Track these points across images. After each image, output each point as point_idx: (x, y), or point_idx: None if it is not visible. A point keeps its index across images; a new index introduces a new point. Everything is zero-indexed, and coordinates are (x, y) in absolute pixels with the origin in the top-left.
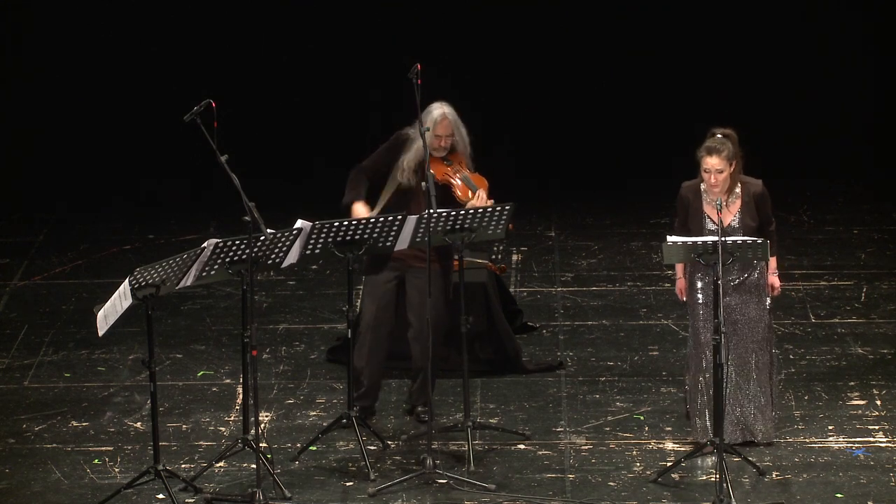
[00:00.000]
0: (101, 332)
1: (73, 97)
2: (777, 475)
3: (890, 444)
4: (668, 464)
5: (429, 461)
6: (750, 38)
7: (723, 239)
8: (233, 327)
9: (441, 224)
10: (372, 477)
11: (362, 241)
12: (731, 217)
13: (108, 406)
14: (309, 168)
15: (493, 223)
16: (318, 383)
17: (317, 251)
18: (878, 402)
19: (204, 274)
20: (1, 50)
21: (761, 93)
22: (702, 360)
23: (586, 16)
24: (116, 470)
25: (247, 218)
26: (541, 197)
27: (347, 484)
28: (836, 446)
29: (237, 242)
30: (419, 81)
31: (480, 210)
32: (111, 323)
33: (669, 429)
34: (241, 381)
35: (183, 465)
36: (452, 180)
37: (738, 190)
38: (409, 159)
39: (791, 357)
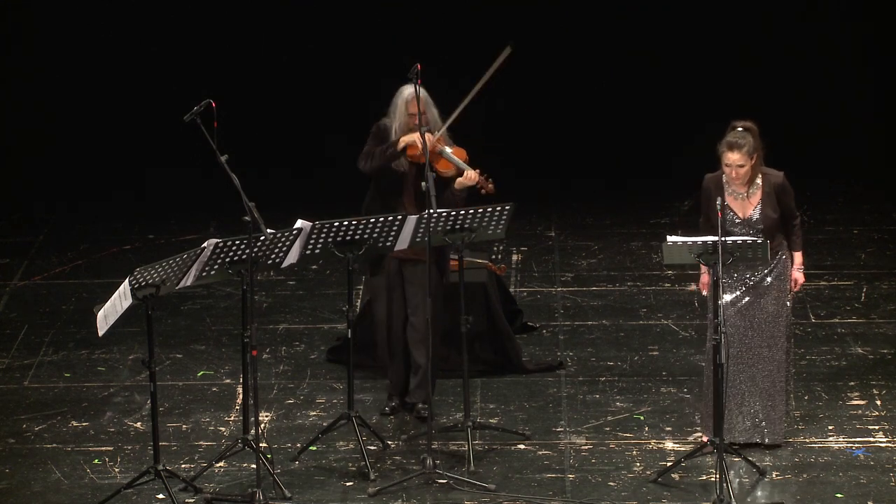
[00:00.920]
0: (101, 332)
1: (74, 97)
2: (777, 475)
3: (890, 444)
4: (668, 464)
5: (429, 461)
6: (750, 38)
7: (723, 239)
8: (233, 327)
9: (441, 224)
10: (372, 477)
11: (362, 241)
12: (752, 209)
13: (108, 406)
14: (309, 168)
15: (494, 223)
16: (318, 383)
17: (317, 251)
18: (878, 402)
19: (204, 274)
20: (2, 50)
21: (761, 93)
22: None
23: (587, 16)
24: (116, 470)
25: (247, 218)
26: (541, 197)
27: (347, 484)
28: (836, 446)
29: (237, 242)
30: (419, 81)
31: (480, 210)
32: (111, 323)
33: (669, 429)
34: (241, 381)
35: (183, 465)
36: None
37: (758, 181)
38: (397, 128)
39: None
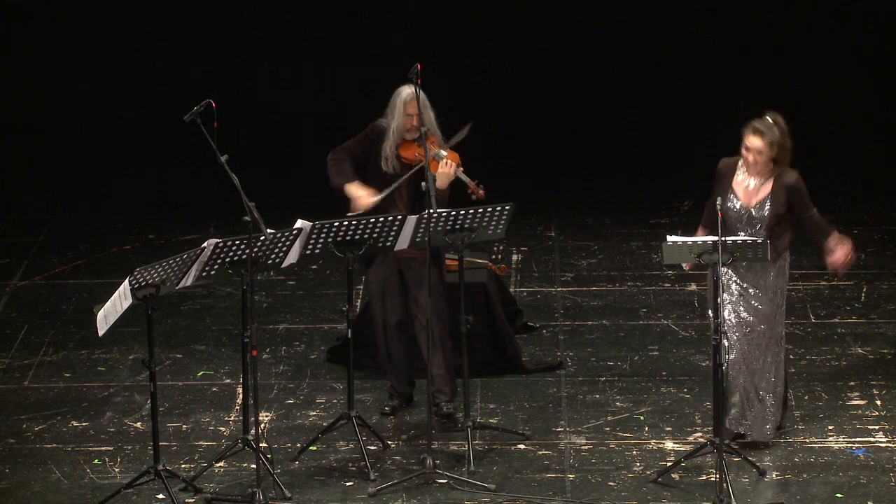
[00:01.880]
0: (101, 332)
1: (74, 97)
2: (777, 475)
3: (890, 444)
4: (668, 464)
5: (429, 461)
6: (749, 38)
7: (723, 239)
8: (233, 327)
9: (441, 224)
10: (372, 477)
11: (362, 241)
12: (755, 200)
13: (108, 406)
14: (308, 168)
15: (494, 223)
16: (318, 383)
17: (317, 251)
18: (878, 402)
19: (204, 274)
20: (1, 49)
21: (761, 93)
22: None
23: (587, 16)
24: (116, 470)
25: (247, 218)
26: (541, 197)
27: (347, 484)
28: (836, 446)
29: (237, 242)
30: (419, 81)
31: (480, 210)
32: (111, 323)
33: (669, 429)
34: (241, 381)
35: (183, 465)
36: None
37: (769, 175)
38: (389, 146)
39: (791, 357)
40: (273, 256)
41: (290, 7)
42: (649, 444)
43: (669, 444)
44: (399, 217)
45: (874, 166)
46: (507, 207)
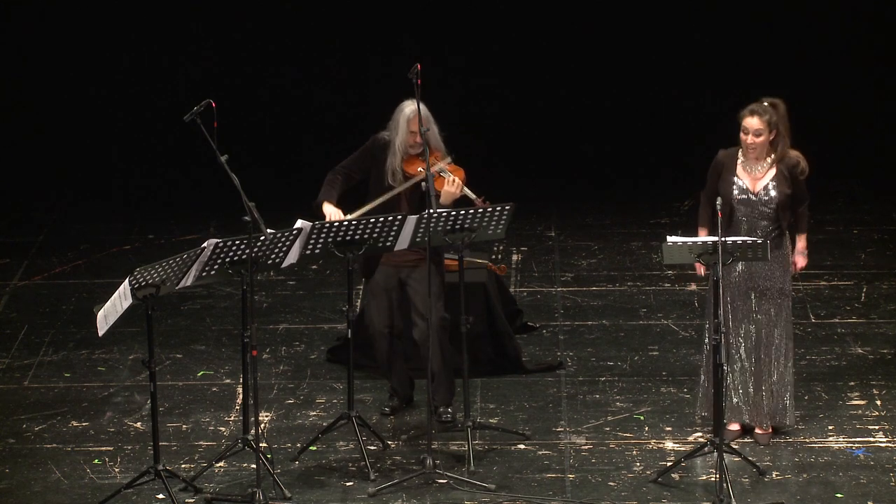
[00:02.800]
0: (101, 332)
1: (74, 97)
2: (777, 475)
3: (890, 444)
4: (668, 464)
5: (429, 461)
6: (749, 38)
7: (723, 239)
8: (233, 327)
9: (441, 224)
10: (372, 477)
11: (362, 241)
12: (761, 184)
13: (108, 406)
14: (309, 168)
15: (494, 223)
16: (318, 383)
17: (317, 251)
18: (878, 402)
19: (204, 274)
20: (1, 49)
21: (761, 92)
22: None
23: (587, 16)
24: (116, 470)
25: (247, 218)
26: (541, 197)
27: (347, 484)
28: (836, 446)
29: (237, 242)
30: (419, 81)
31: (480, 210)
32: (111, 323)
33: (669, 429)
34: (241, 381)
35: (183, 465)
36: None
37: (772, 157)
38: (396, 162)
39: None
40: (273, 256)
41: (290, 7)
42: (649, 444)
43: (669, 444)
44: (399, 217)
45: (874, 166)
46: (507, 207)
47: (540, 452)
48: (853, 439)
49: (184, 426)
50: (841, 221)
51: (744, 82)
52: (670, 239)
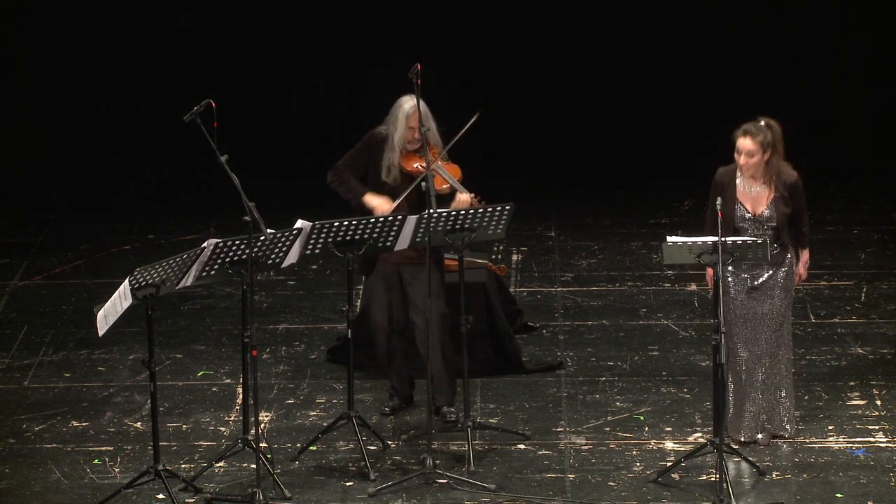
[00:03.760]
0: (101, 332)
1: (74, 96)
2: (777, 475)
3: (890, 444)
4: (668, 464)
5: (429, 461)
6: (749, 38)
7: (723, 239)
8: (233, 327)
9: (441, 224)
10: (372, 477)
11: (362, 241)
12: (764, 206)
13: (108, 406)
14: (308, 168)
15: (494, 223)
16: (318, 383)
17: (317, 251)
18: (878, 402)
19: (204, 274)
20: (1, 49)
21: (761, 92)
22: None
23: (587, 16)
24: (116, 470)
25: (247, 218)
26: (541, 197)
27: (347, 484)
28: (836, 446)
29: (237, 242)
30: (419, 81)
31: (480, 210)
32: (111, 323)
33: (669, 429)
34: (241, 381)
35: (183, 465)
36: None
37: (767, 178)
38: (393, 158)
39: (791, 357)
40: (273, 256)
41: (290, 7)
42: (649, 444)
43: (669, 444)
44: (399, 217)
45: (874, 166)
46: (507, 207)
47: (540, 452)
48: (853, 439)
49: (184, 426)
50: (841, 221)
51: (744, 82)
52: (670, 239)
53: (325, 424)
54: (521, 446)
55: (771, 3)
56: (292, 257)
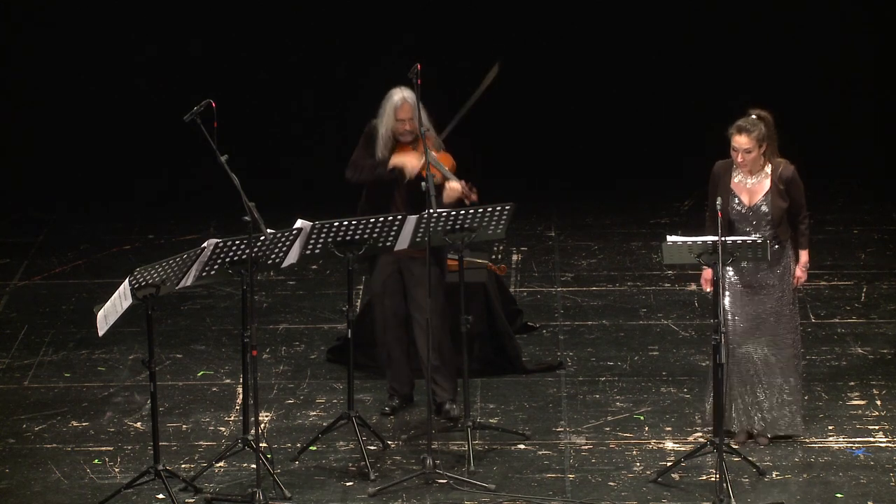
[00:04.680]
0: (101, 332)
1: (73, 96)
2: (777, 475)
3: (890, 444)
4: (668, 464)
5: (429, 461)
6: (749, 38)
7: (723, 239)
8: (233, 327)
9: (441, 224)
10: (372, 477)
11: (362, 241)
12: (758, 197)
13: (108, 406)
14: (308, 168)
15: (494, 223)
16: (318, 383)
17: (317, 251)
18: (878, 402)
19: (204, 274)
20: (1, 49)
21: (760, 93)
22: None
23: (587, 16)
24: (116, 470)
25: (247, 218)
26: (541, 197)
27: (347, 484)
28: (836, 446)
29: (237, 242)
30: (419, 81)
31: (480, 210)
32: (111, 323)
33: (669, 429)
34: (241, 381)
35: (183, 465)
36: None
37: (767, 170)
38: (381, 149)
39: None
40: (273, 256)
41: (290, 7)
42: (649, 444)
43: (669, 444)
44: (399, 217)
45: (874, 166)
46: (507, 207)
47: (540, 452)
48: (853, 439)
49: (184, 426)
50: (841, 221)
51: (744, 82)
52: (670, 239)
53: (325, 424)
54: (521, 446)
55: (771, 3)
56: (292, 257)
